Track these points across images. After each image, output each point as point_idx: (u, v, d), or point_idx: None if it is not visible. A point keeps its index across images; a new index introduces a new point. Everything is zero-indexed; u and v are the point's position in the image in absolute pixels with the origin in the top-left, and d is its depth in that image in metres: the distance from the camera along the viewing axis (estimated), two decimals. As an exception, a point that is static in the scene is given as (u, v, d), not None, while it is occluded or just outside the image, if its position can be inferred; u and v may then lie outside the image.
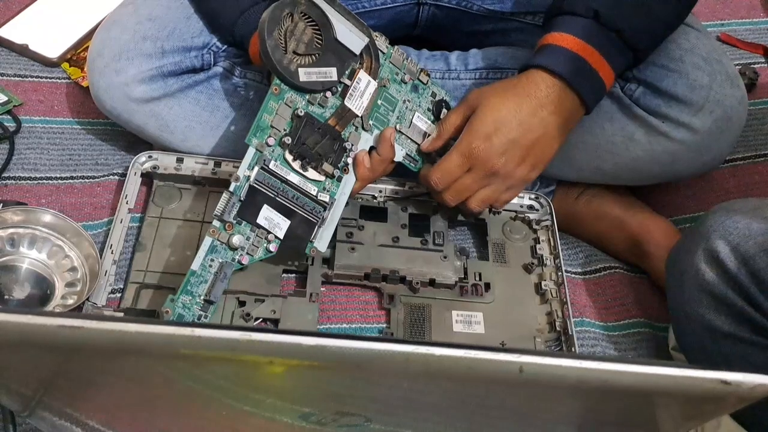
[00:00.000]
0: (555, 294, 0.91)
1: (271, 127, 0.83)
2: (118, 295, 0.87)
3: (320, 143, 0.84)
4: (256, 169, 0.82)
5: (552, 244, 0.95)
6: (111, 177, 0.99)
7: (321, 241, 0.85)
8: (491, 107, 0.83)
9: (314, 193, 0.85)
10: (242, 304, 0.86)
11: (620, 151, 0.94)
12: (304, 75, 0.83)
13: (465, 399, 0.38)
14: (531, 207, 0.98)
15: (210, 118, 0.94)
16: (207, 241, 0.80)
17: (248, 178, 0.81)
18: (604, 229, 0.99)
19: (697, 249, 0.76)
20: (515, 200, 0.96)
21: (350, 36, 0.84)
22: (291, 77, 0.82)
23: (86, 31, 1.13)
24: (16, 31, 1.14)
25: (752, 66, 1.21)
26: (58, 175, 0.98)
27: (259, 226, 0.82)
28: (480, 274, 0.93)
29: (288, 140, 0.83)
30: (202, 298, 0.80)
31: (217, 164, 0.94)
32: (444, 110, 0.92)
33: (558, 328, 0.88)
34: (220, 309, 0.85)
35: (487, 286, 0.92)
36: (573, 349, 0.85)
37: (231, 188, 0.81)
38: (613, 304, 0.95)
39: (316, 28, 0.83)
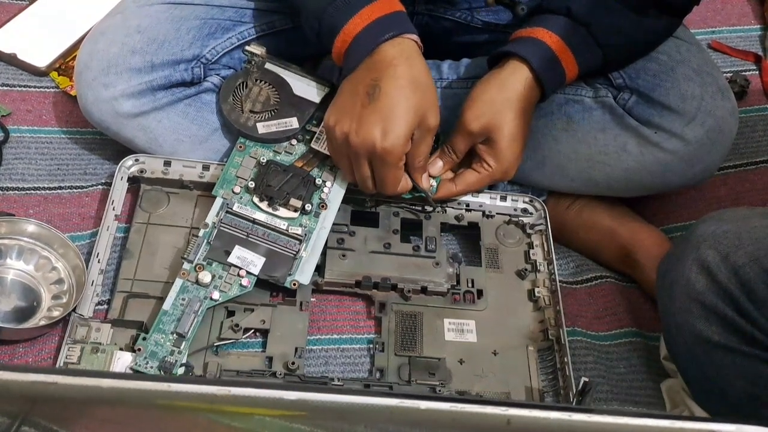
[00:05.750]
0: (548, 301, 0.90)
1: (237, 177, 0.89)
2: (105, 306, 0.86)
3: (285, 181, 0.89)
4: (222, 213, 0.86)
5: (546, 249, 0.94)
6: (99, 186, 0.98)
7: (303, 274, 0.87)
8: (514, 139, 0.86)
9: (284, 227, 0.87)
10: (231, 313, 0.85)
11: (612, 162, 0.94)
12: (263, 128, 0.91)
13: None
14: (525, 210, 0.97)
15: (199, 132, 0.94)
16: (177, 282, 0.83)
17: (215, 223, 0.86)
18: (594, 238, 0.99)
19: (687, 259, 0.76)
20: (509, 203, 0.97)
21: (309, 89, 0.93)
22: (250, 132, 0.91)
23: (75, 40, 1.12)
24: (3, 40, 1.12)
25: (743, 73, 1.21)
26: (46, 185, 0.97)
27: (231, 265, 0.85)
28: (472, 281, 0.92)
29: (252, 185, 0.88)
30: (174, 334, 0.81)
31: (205, 167, 0.93)
32: None
33: (551, 337, 0.88)
34: (208, 320, 0.84)
35: (480, 293, 0.91)
36: (565, 359, 0.84)
37: (200, 234, 0.86)
38: (605, 313, 0.94)
39: (273, 88, 0.92)
